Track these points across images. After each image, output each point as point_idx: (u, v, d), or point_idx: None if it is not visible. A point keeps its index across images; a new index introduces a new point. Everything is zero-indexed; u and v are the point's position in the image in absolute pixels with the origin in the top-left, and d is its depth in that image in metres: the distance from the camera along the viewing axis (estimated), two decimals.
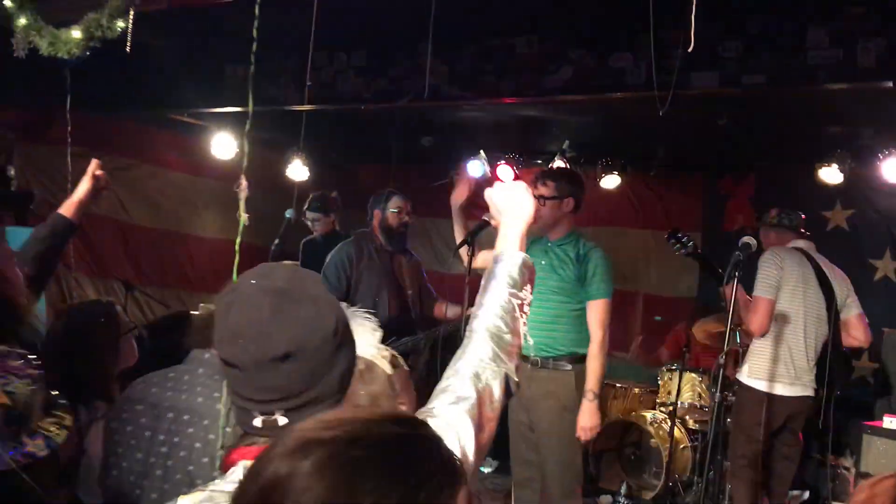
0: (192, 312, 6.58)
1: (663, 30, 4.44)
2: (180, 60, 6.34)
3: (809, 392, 4.43)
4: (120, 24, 2.67)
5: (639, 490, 5.77)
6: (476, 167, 7.23)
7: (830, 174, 5.83)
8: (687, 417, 5.81)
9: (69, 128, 5.59)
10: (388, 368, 1.63)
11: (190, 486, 1.90)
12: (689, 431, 5.82)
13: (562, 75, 4.81)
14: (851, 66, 4.04)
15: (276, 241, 5.44)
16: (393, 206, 4.79)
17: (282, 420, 1.22)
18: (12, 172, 6.08)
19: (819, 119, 5.63)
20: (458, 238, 4.13)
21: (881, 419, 4.72)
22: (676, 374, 5.69)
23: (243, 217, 2.07)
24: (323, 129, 7.19)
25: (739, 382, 4.55)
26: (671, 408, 5.62)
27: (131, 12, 2.68)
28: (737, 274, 3.79)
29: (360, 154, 8.05)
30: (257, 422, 1.23)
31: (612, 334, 6.98)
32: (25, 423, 1.67)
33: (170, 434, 2.01)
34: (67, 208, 2.82)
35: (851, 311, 4.57)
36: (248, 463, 1.18)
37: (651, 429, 5.69)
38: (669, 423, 5.53)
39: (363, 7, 5.03)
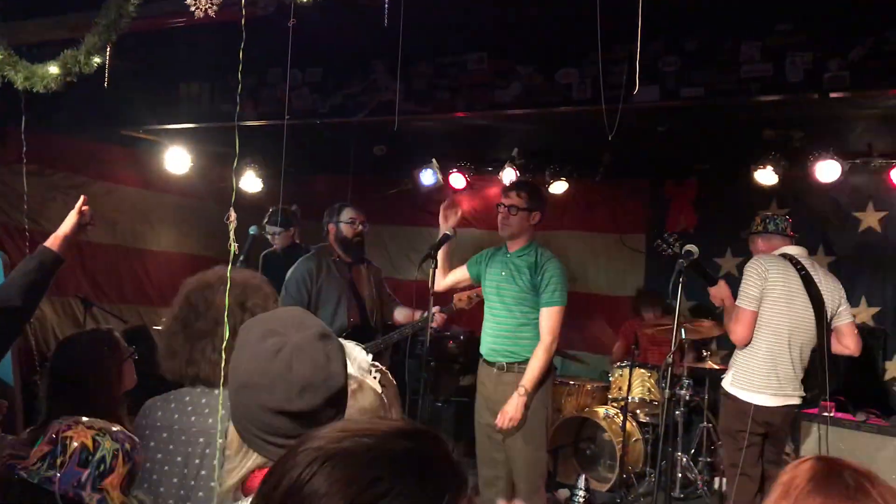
0: (154, 327, 6.66)
1: (607, 47, 4.69)
2: (134, 78, 6.40)
3: (795, 400, 4.40)
4: (96, 59, 2.78)
5: (595, 482, 6.02)
6: (429, 175, 7.43)
7: (766, 176, 6.13)
8: (638, 411, 6.09)
9: (24, 147, 5.64)
10: (377, 387, 1.81)
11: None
12: (640, 425, 6.09)
13: (511, 91, 5.03)
14: (781, 79, 4.33)
15: (241, 258, 5.54)
16: (345, 218, 4.95)
17: None
18: None
19: (754, 125, 5.95)
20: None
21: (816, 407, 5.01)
22: (627, 371, 5.95)
23: (233, 247, 2.21)
24: (277, 144, 7.29)
25: (724, 391, 4.52)
26: (623, 403, 5.88)
27: (108, 49, 2.79)
28: (681, 281, 3.98)
29: (316, 166, 8.17)
30: None
31: (567, 334, 7.27)
32: (98, 475, 1.78)
33: (192, 457, 2.09)
34: (54, 242, 2.89)
35: (843, 319, 4.46)
36: None
37: (604, 423, 5.94)
38: (622, 418, 5.79)
39: (317, 26, 5.19)
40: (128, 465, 1.87)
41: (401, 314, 5.01)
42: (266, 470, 1.36)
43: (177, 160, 7.10)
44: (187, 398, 2.17)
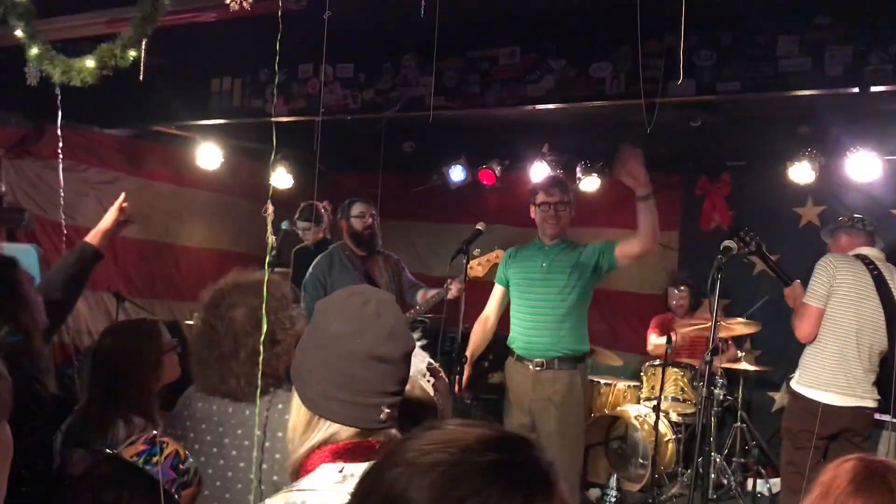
0: (186, 322, 6.71)
1: (641, 41, 4.64)
2: (166, 73, 6.44)
3: (868, 402, 4.26)
4: (132, 53, 2.79)
5: (626, 482, 5.96)
6: (458, 172, 7.41)
7: (801, 172, 6.05)
8: (670, 411, 6.02)
9: (60, 143, 5.70)
10: (430, 390, 1.81)
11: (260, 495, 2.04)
12: (673, 424, 6.02)
13: (544, 85, 4.98)
14: (820, 73, 4.25)
15: (273, 252, 5.57)
16: (355, 213, 5.05)
17: (396, 412, 1.45)
18: (3, 188, 6.18)
19: (789, 120, 5.87)
20: None
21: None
22: (659, 370, 5.88)
23: (271, 239, 2.22)
24: (307, 139, 7.32)
25: (790, 390, 4.46)
26: (655, 402, 5.81)
27: (143, 43, 2.81)
28: (719, 276, 3.93)
29: (346, 162, 8.18)
30: (383, 415, 1.43)
31: (596, 333, 7.19)
32: (181, 484, 1.92)
33: (232, 448, 2.13)
34: (94, 237, 2.94)
35: None
36: (330, 465, 1.34)
37: (636, 422, 5.88)
38: (654, 417, 5.73)
39: (349, 21, 5.18)
40: (199, 486, 2.00)
41: (421, 295, 5.02)
42: (316, 452, 1.39)
43: (208, 156, 7.15)
44: (230, 409, 2.21)
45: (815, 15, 4.22)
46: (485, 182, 7.38)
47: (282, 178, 7.58)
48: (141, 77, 2.96)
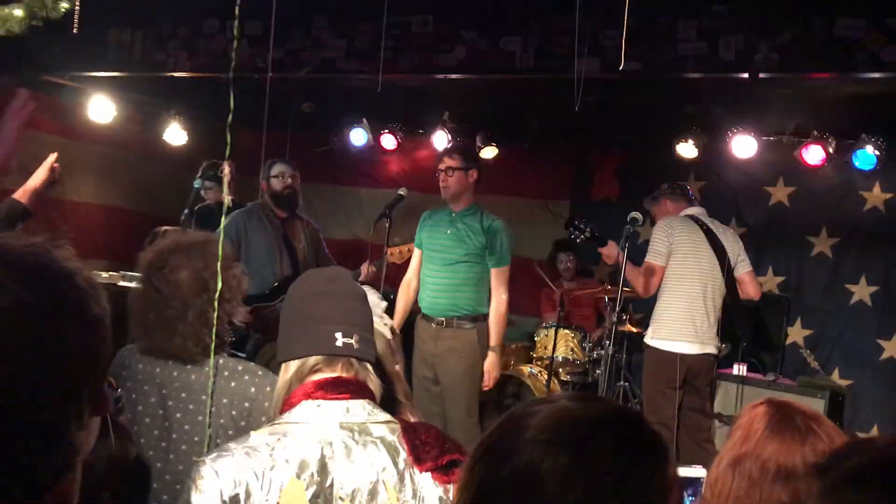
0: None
1: (549, 17, 4.85)
2: (59, 22, 6.17)
3: (711, 349, 4.75)
4: (64, 4, 2.72)
5: None
6: (359, 135, 7.45)
7: (686, 149, 6.46)
8: (560, 370, 6.35)
9: None
10: (388, 334, 1.93)
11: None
12: (562, 383, 6.37)
13: (456, 55, 5.11)
14: (714, 58, 4.57)
15: (186, 211, 5.51)
16: (275, 173, 5.11)
17: (356, 344, 1.58)
18: None
19: (677, 100, 6.23)
20: None
21: (731, 367, 5.38)
22: (552, 331, 6.19)
23: (227, 199, 2.26)
24: (206, 97, 7.18)
25: (646, 346, 4.85)
26: (547, 362, 6.13)
27: None
28: (626, 245, 4.26)
29: (244, 120, 8.04)
30: (339, 342, 1.57)
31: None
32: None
33: (176, 411, 2.16)
34: (23, 195, 2.86)
35: (744, 269, 4.93)
36: (313, 402, 1.46)
37: (529, 381, 6.18)
38: (546, 376, 6.04)
39: None
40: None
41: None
42: (298, 389, 1.53)
43: (100, 109, 6.91)
44: (175, 373, 2.22)
45: (713, 3, 4.52)
46: (386, 147, 7.47)
47: (176, 133, 7.43)
48: (75, 30, 2.88)
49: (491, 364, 4.51)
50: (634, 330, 6.48)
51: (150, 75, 6.02)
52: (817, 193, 6.60)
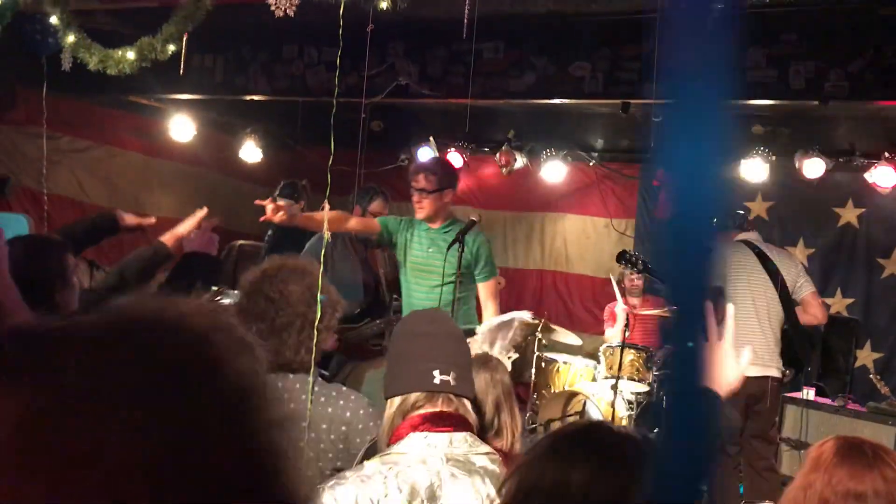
0: None
1: (617, 44, 4.95)
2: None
3: (773, 372, 4.67)
4: (171, 47, 2.94)
5: None
6: (426, 153, 7.62)
7: (753, 169, 6.45)
8: (624, 389, 6.40)
9: (44, 112, 5.75)
10: (508, 366, 2.10)
11: None
12: (627, 402, 6.41)
13: (525, 80, 5.25)
14: (784, 85, 4.61)
15: (269, 232, 5.76)
16: (373, 208, 5.20)
17: (453, 381, 1.71)
18: None
19: (745, 119, 6.25)
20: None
21: (798, 391, 5.37)
22: (617, 351, 6.25)
23: (327, 235, 2.43)
24: (285, 118, 7.47)
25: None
26: (613, 381, 6.18)
27: (184, 38, 2.96)
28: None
29: (316, 138, 8.31)
30: (436, 380, 1.70)
31: (551, 313, 7.50)
32: None
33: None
34: (170, 239, 3.08)
35: (806, 290, 4.83)
36: (420, 434, 1.61)
37: (594, 400, 6.25)
38: (612, 395, 6.10)
39: (335, 6, 5.34)
40: None
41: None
42: (405, 422, 1.67)
43: (181, 128, 7.22)
44: (279, 384, 2.28)
45: (782, 31, 4.57)
46: (453, 164, 7.62)
47: (251, 152, 7.71)
48: (181, 72, 3.11)
49: None
50: None
51: (230, 98, 6.28)
52: (887, 215, 6.53)
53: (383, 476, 1.57)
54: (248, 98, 6.36)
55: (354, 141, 7.68)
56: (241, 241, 7.17)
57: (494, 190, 8.01)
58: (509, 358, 2.15)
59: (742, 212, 5.27)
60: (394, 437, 1.68)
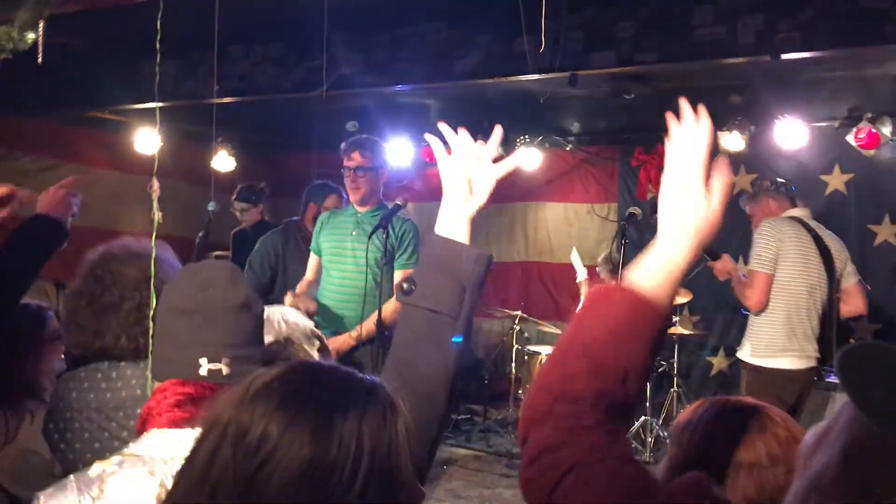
0: None
1: (560, 14, 4.71)
2: (97, 58, 6.39)
3: (813, 363, 4.23)
4: (31, 36, 2.77)
5: None
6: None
7: (733, 141, 6.16)
8: None
9: None
10: (315, 355, 1.85)
11: None
12: None
13: (470, 59, 5.03)
14: (733, 41, 4.34)
15: (200, 234, 5.59)
16: (329, 204, 4.94)
17: (225, 369, 1.43)
18: None
19: (720, 90, 5.96)
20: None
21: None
22: None
23: (157, 216, 2.21)
24: (244, 121, 7.32)
25: (745, 364, 4.33)
26: None
27: (41, 24, 2.79)
28: (624, 241, 4.02)
29: (285, 143, 8.17)
30: (203, 370, 1.42)
31: (538, 305, 7.25)
32: None
33: (118, 430, 2.08)
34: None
35: (851, 280, 4.41)
36: (161, 430, 1.38)
37: None
38: None
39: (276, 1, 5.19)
40: None
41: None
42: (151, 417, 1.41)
43: (146, 140, 7.10)
44: (99, 375, 2.06)
45: None
46: (427, 159, 7.41)
47: (224, 161, 7.57)
48: (39, 60, 2.93)
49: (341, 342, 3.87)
50: (686, 332, 6.23)
51: (183, 104, 6.13)
52: (876, 178, 6.21)
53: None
54: (204, 102, 6.20)
55: (324, 142, 7.56)
56: (216, 253, 7.00)
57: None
58: (314, 345, 1.90)
59: (787, 181, 4.74)
60: (139, 429, 1.43)
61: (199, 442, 0.97)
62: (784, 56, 4.19)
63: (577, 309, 1.18)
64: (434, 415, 1.32)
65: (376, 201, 4.11)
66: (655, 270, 1.15)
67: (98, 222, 7.46)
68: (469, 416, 7.01)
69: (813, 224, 4.38)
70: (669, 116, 1.20)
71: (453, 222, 1.44)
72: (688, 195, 1.16)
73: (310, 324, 2.00)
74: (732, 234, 5.95)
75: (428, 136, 1.59)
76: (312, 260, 4.25)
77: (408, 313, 1.38)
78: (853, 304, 4.41)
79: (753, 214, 4.62)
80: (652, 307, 1.11)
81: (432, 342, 1.34)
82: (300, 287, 4.23)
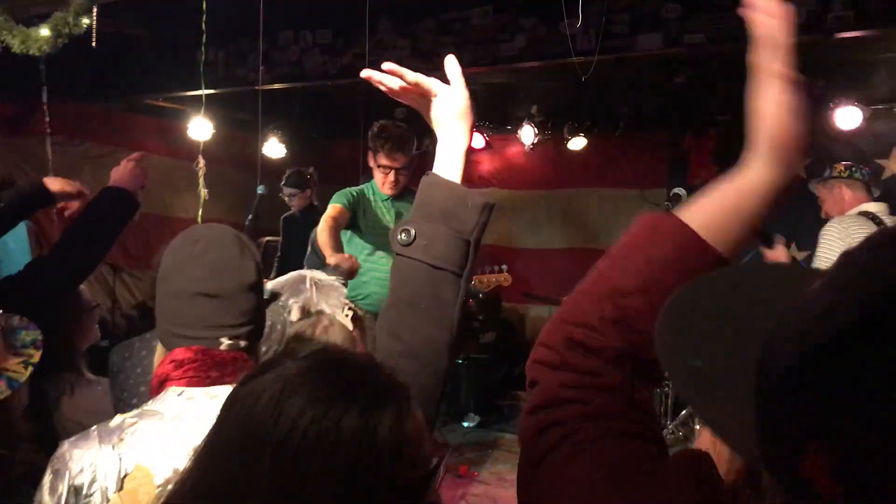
0: None
1: None
2: (152, 46, 6.53)
3: None
4: (85, 20, 2.85)
5: None
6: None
7: None
8: None
9: (47, 118, 5.81)
10: (348, 325, 1.87)
11: None
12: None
13: (515, 43, 5.01)
14: None
15: (250, 217, 5.68)
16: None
17: (242, 342, 1.47)
18: None
19: None
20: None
21: None
22: None
23: (203, 192, 2.26)
24: (294, 108, 7.40)
25: None
26: None
27: (94, 9, 2.87)
28: None
29: (333, 130, 8.24)
30: (224, 346, 1.44)
31: None
32: None
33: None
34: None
35: None
36: (177, 388, 1.42)
37: None
38: None
39: None
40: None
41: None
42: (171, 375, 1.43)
43: (199, 128, 7.23)
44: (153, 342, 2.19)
45: None
46: (474, 146, 7.42)
47: (274, 147, 7.67)
48: (93, 43, 3.02)
49: None
50: None
51: (232, 90, 6.23)
52: None
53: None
54: (252, 88, 6.29)
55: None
56: (267, 238, 7.11)
57: (519, 169, 7.77)
58: (347, 315, 1.91)
59: (862, 165, 4.33)
60: (155, 388, 1.46)
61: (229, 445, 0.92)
62: (837, 35, 4.08)
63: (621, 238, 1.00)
64: (437, 377, 1.24)
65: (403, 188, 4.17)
66: (719, 199, 0.95)
67: (153, 208, 7.64)
68: (513, 401, 7.02)
69: (889, 221, 4.01)
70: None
71: (450, 157, 1.33)
72: (768, 93, 0.96)
73: (343, 290, 2.02)
74: (791, 215, 5.74)
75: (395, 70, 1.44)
76: (335, 211, 4.02)
77: (405, 268, 1.25)
78: None
79: (824, 200, 4.30)
80: (706, 248, 0.92)
81: (434, 301, 1.22)
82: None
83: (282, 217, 6.20)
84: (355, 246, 4.17)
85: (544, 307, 7.26)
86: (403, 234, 1.25)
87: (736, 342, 0.75)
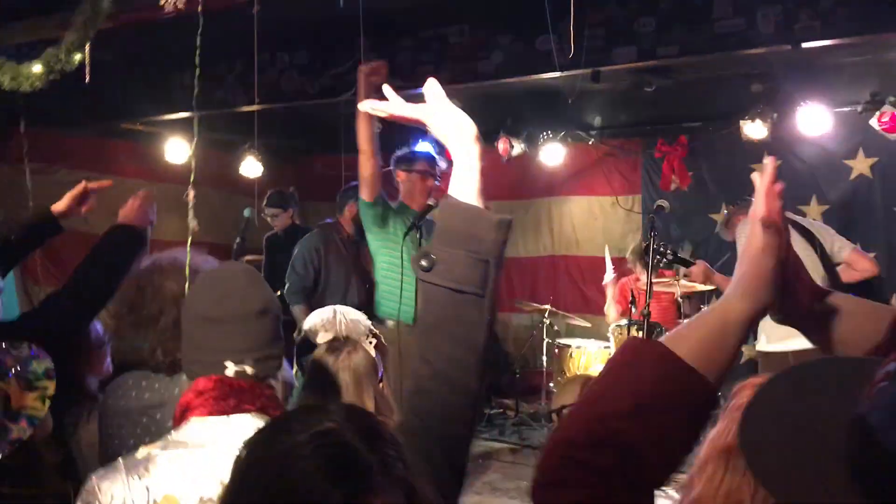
0: None
1: (582, 12, 4.77)
2: (128, 72, 6.54)
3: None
4: (77, 56, 2.89)
5: None
6: (426, 147, 7.51)
7: (755, 129, 6.18)
8: None
9: (25, 147, 5.80)
10: (371, 351, 1.96)
11: None
12: None
13: (493, 60, 5.11)
14: (754, 32, 4.39)
15: (238, 240, 5.73)
16: (353, 209, 5.01)
17: (249, 370, 1.52)
18: None
19: (740, 79, 6.00)
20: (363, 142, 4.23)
21: None
22: (625, 329, 6.05)
23: (193, 224, 2.30)
24: (273, 127, 7.44)
25: (763, 354, 4.51)
26: None
27: (87, 46, 2.91)
28: (653, 234, 4.13)
29: (312, 146, 8.29)
30: (230, 371, 1.51)
31: (567, 298, 7.32)
32: (6, 408, 1.78)
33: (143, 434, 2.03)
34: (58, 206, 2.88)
35: (845, 251, 4.60)
36: (201, 419, 1.48)
37: None
38: None
39: (302, 9, 5.29)
40: (16, 365, 1.91)
41: None
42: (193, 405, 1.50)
43: (176, 150, 7.26)
44: (143, 382, 2.12)
45: None
46: (451, 158, 7.50)
47: (252, 166, 7.69)
48: (87, 79, 3.05)
49: None
50: None
51: (209, 112, 6.26)
52: None
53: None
54: (235, 111, 6.33)
55: (352, 146, 7.66)
56: (248, 257, 7.14)
57: (496, 179, 7.86)
58: (370, 343, 2.01)
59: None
60: (178, 418, 1.53)
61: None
62: (805, 45, 4.23)
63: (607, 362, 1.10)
64: (468, 398, 1.25)
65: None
66: (699, 327, 1.06)
67: None
68: (502, 410, 7.10)
69: (790, 216, 4.46)
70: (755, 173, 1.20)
71: (462, 176, 1.32)
72: (751, 243, 1.13)
73: (367, 323, 2.11)
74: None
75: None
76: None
77: (428, 293, 1.26)
78: (859, 269, 4.55)
79: (733, 226, 5.03)
80: (690, 372, 1.00)
81: (459, 324, 1.24)
82: None
83: (265, 236, 6.24)
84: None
85: (525, 315, 7.36)
86: (424, 261, 1.26)
87: (823, 431, 0.81)
